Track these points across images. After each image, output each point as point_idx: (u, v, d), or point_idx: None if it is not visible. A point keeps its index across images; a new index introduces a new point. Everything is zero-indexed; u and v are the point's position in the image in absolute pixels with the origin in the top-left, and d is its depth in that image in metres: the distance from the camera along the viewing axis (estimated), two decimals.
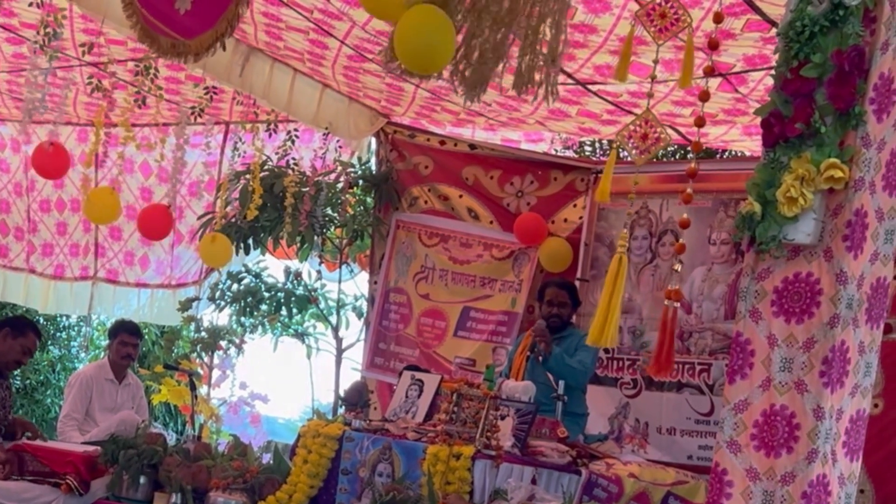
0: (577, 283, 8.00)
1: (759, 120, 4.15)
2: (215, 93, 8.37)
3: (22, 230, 11.28)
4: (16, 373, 12.07)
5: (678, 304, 4.52)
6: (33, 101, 6.96)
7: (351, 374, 9.48)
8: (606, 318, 4.73)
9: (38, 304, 11.31)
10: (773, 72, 4.12)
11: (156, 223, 8.20)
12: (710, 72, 4.70)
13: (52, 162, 7.53)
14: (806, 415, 3.85)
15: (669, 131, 7.74)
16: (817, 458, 3.82)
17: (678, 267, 4.60)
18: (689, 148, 8.96)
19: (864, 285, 3.87)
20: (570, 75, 6.90)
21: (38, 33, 6.91)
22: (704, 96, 4.60)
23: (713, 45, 4.65)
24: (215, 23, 5.41)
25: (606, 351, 7.69)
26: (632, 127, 4.79)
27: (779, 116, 4.00)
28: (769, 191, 3.98)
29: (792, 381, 3.89)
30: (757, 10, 5.50)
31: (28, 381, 12.15)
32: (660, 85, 4.84)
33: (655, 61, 4.71)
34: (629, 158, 4.95)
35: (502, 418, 6.19)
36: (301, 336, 10.36)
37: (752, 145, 7.96)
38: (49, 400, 12.32)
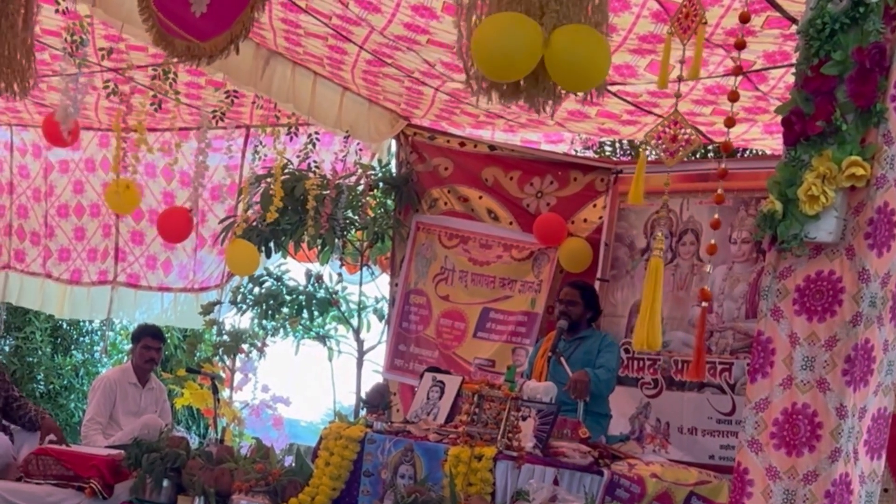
0: (597, 284, 7.97)
1: (779, 118, 4.15)
2: (236, 97, 8.40)
3: (38, 235, 11.32)
4: (39, 377, 12.16)
5: (706, 304, 4.52)
6: (66, 107, 7.01)
7: (372, 377, 9.50)
8: (648, 321, 4.75)
9: (53, 309, 11.33)
10: (793, 69, 4.11)
11: (176, 226, 8.24)
12: (739, 70, 4.70)
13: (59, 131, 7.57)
14: (828, 413, 3.84)
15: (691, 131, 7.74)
16: (840, 456, 3.81)
17: (709, 268, 4.61)
18: (709, 147, 8.94)
19: (890, 283, 3.86)
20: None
21: (65, 40, 6.96)
22: (734, 96, 4.60)
23: (739, 45, 4.64)
24: (230, 25, 5.42)
25: (627, 351, 7.68)
26: (660, 128, 4.78)
27: (800, 114, 4.00)
28: (790, 189, 3.98)
29: (814, 379, 3.89)
30: (777, 8, 5.48)
31: (52, 386, 12.21)
32: (685, 75, 4.82)
33: (682, 61, 4.70)
34: (656, 158, 4.94)
35: (524, 419, 6.18)
36: (322, 339, 10.37)
37: (773, 144, 7.94)
38: (73, 404, 12.37)
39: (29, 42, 5.69)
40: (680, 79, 4.77)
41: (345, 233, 9.06)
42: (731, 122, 4.65)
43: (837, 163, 3.88)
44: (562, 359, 6.97)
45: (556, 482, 5.82)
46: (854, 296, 3.85)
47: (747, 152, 9.01)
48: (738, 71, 4.71)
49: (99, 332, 12.95)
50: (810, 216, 3.92)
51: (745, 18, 4.70)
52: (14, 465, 7.03)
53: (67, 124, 7.11)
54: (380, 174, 9.24)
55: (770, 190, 4.06)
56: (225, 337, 9.86)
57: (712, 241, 4.72)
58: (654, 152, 4.91)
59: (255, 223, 8.82)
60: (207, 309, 9.82)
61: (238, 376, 10.35)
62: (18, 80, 5.66)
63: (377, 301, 10.17)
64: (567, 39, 4.25)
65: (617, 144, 10.19)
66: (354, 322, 9.82)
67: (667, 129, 4.79)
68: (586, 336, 7.31)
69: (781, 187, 4.02)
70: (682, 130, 4.75)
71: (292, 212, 8.72)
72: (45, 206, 11.21)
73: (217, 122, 8.43)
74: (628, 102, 7.39)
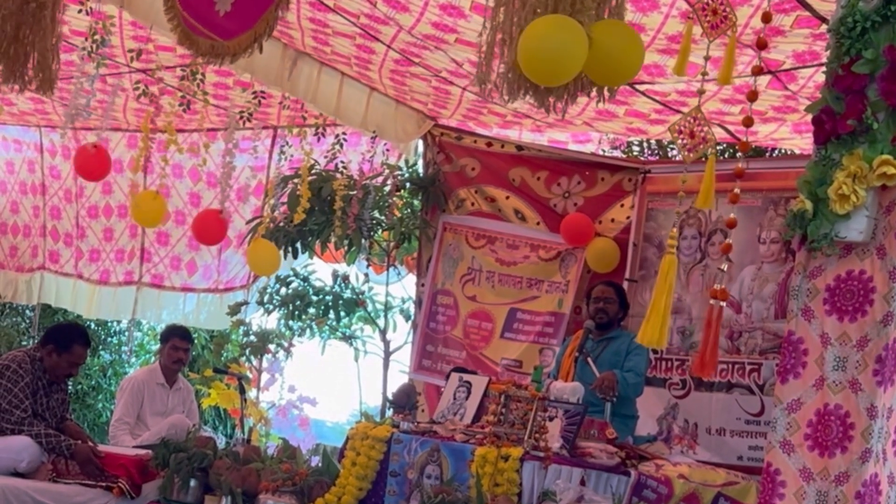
0: (626, 285, 7.94)
1: (809, 117, 4.12)
2: (263, 97, 8.42)
3: (71, 236, 11.41)
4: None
5: (724, 304, 4.48)
6: (77, 106, 7.03)
7: (398, 377, 9.50)
8: (660, 318, 4.71)
9: (83, 310, 11.42)
10: (823, 68, 4.08)
11: (209, 228, 8.27)
12: (759, 71, 4.66)
13: (93, 164, 7.62)
14: (860, 414, 3.81)
15: (718, 129, 7.71)
16: (871, 457, 3.78)
17: (724, 266, 4.58)
18: (737, 146, 8.90)
19: None
20: None
21: (86, 40, 6.98)
22: (752, 96, 4.56)
23: (761, 45, 4.60)
24: (254, 24, 5.44)
25: (655, 352, 7.62)
26: (683, 123, 4.75)
27: (830, 113, 3.98)
28: (821, 188, 3.96)
29: (846, 380, 3.86)
30: (807, 7, 5.45)
31: (80, 386, 12.27)
32: (709, 83, 4.80)
33: (706, 57, 4.67)
34: (679, 157, 4.92)
35: (550, 419, 6.17)
36: (349, 339, 10.37)
37: (802, 143, 7.89)
38: (100, 404, 12.44)
39: (54, 41, 5.70)
40: (703, 75, 4.75)
41: (371, 233, 9.06)
42: (749, 122, 4.59)
43: (868, 161, 3.85)
44: (589, 359, 6.94)
45: (582, 483, 5.80)
46: (885, 295, 3.83)
47: (776, 152, 8.96)
48: (758, 70, 4.67)
49: (126, 333, 13.01)
50: (841, 215, 3.90)
51: (766, 18, 4.66)
52: (45, 466, 7.06)
53: (72, 122, 7.12)
54: (407, 174, 9.25)
55: (800, 189, 4.04)
56: (252, 337, 9.88)
57: (728, 241, 4.67)
58: (676, 150, 4.89)
59: (281, 224, 8.84)
60: (234, 309, 9.84)
61: (265, 376, 10.35)
62: (41, 77, 5.68)
63: (403, 301, 10.18)
64: (607, 34, 4.21)
65: (645, 144, 10.16)
66: (381, 322, 9.82)
67: (686, 125, 4.76)
68: (615, 336, 7.27)
69: (811, 186, 4.00)
70: (700, 128, 4.72)
71: (319, 212, 8.73)
72: (76, 206, 11.29)
73: (244, 122, 8.45)
74: (657, 101, 7.37)
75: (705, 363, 4.50)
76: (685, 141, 4.75)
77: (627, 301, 7.53)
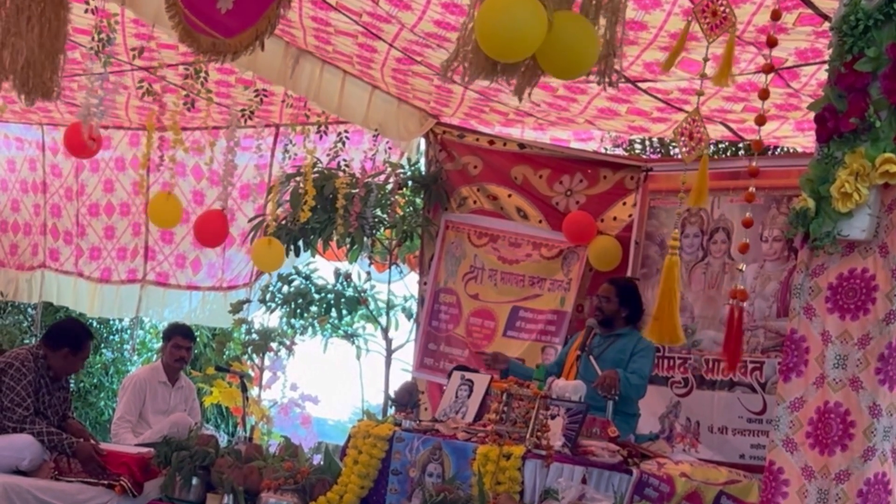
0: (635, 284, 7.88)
1: (811, 115, 4.12)
2: (265, 95, 8.41)
3: (71, 234, 11.41)
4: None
5: (744, 304, 4.48)
6: (89, 106, 7.02)
7: (400, 375, 9.50)
8: (671, 317, 4.73)
9: (85, 308, 11.43)
10: (826, 66, 4.08)
11: (212, 229, 8.26)
12: (770, 69, 4.67)
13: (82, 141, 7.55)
14: (861, 412, 3.81)
15: (721, 127, 7.71)
16: (874, 456, 3.78)
17: (742, 266, 4.59)
18: (740, 144, 8.89)
19: None
20: (620, 73, 6.85)
21: (92, 39, 6.98)
22: (764, 94, 4.56)
23: (771, 43, 4.60)
24: (256, 21, 5.43)
25: (658, 350, 7.62)
26: (684, 125, 4.76)
27: (833, 111, 3.98)
28: (823, 186, 3.95)
29: (846, 378, 3.86)
30: (809, 5, 5.44)
31: (82, 384, 12.27)
32: (711, 80, 4.81)
33: (706, 59, 4.67)
34: (680, 156, 4.93)
35: (552, 418, 6.16)
36: (351, 337, 10.37)
37: (805, 141, 7.89)
38: (102, 402, 12.44)
39: (57, 47, 5.68)
40: (702, 76, 4.75)
41: (374, 231, 9.06)
42: (761, 120, 4.61)
43: (871, 160, 3.85)
44: (591, 357, 6.93)
45: (584, 481, 5.79)
46: (887, 294, 3.82)
47: (778, 150, 8.95)
48: (769, 69, 4.68)
49: (128, 331, 13.01)
50: (843, 214, 3.89)
51: (776, 16, 4.66)
52: (47, 464, 7.07)
53: (90, 125, 7.11)
54: (409, 172, 9.25)
55: (803, 187, 4.04)
56: (254, 335, 9.89)
57: (745, 240, 4.69)
58: (677, 149, 4.91)
59: (284, 222, 8.84)
60: (237, 307, 9.84)
61: (267, 375, 10.36)
62: (42, 87, 5.66)
63: (405, 300, 10.17)
64: (568, 25, 4.21)
65: (647, 142, 10.15)
66: (383, 321, 9.82)
67: (687, 126, 4.77)
68: (622, 334, 7.19)
69: (814, 185, 4.00)
70: (698, 129, 4.73)
71: (321, 210, 8.73)
72: (77, 204, 11.30)
73: (246, 120, 8.45)
74: (658, 99, 7.36)
75: (728, 357, 4.53)
76: (686, 142, 4.77)
77: (634, 300, 7.40)
